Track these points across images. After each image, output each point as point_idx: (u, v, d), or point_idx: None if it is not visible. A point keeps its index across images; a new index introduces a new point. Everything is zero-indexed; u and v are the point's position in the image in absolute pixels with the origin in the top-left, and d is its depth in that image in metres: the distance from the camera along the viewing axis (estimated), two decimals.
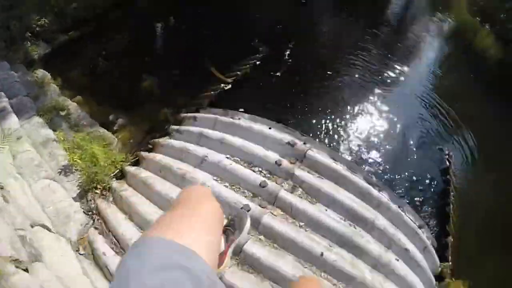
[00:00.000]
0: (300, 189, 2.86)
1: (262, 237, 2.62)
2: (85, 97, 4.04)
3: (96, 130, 3.47)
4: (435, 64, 6.74)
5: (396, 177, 3.88)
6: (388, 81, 5.51)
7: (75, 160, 2.99)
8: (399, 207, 3.08)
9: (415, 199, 3.81)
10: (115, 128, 3.74)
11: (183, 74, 4.53)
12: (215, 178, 2.91)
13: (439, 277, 3.36)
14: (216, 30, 5.27)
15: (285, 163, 2.93)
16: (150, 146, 3.46)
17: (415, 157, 4.28)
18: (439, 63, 6.86)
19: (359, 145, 4.09)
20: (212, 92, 4.04)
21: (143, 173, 3.02)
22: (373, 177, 3.13)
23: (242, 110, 3.85)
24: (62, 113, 3.58)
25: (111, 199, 2.94)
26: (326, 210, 2.81)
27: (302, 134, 3.17)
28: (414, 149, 4.39)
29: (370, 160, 3.96)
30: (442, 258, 3.44)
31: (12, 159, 2.89)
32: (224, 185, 2.87)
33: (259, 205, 2.75)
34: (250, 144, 3.08)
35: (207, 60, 4.64)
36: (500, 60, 7.12)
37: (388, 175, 3.86)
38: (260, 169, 2.95)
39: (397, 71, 5.82)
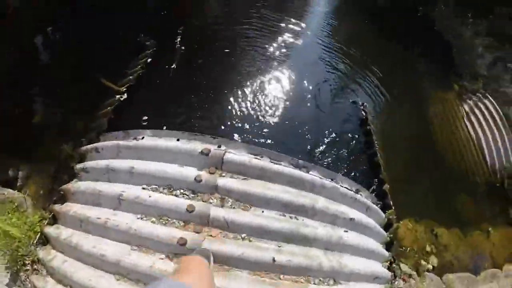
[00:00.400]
0: (230, 199, 2.60)
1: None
2: None
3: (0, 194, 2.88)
4: (329, 15, 6.80)
5: (321, 147, 3.80)
6: (288, 42, 5.37)
7: None
8: (332, 180, 2.99)
9: (345, 162, 3.81)
10: (19, 183, 3.13)
11: (74, 92, 3.85)
12: (139, 216, 2.55)
13: (389, 226, 3.47)
14: (97, 34, 4.56)
15: (205, 176, 2.63)
16: (62, 194, 2.96)
17: (333, 119, 4.24)
18: (332, 13, 6.97)
19: (275, 125, 3.90)
20: (109, 108, 3.50)
21: (64, 233, 2.59)
22: (298, 160, 2.95)
23: (145, 118, 3.49)
24: None
25: (44, 272, 2.51)
26: (263, 212, 2.60)
27: (213, 137, 2.85)
28: (330, 110, 4.36)
29: (292, 139, 3.81)
30: (386, 207, 3.53)
31: None
32: (152, 221, 2.52)
33: (195, 231, 2.46)
34: (163, 166, 2.70)
35: (96, 71, 4.02)
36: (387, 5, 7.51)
37: (313, 148, 3.76)
38: (182, 190, 2.62)
39: (294, 31, 5.70)
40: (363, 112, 4.31)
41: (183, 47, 4.66)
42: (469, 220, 4.34)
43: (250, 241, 2.48)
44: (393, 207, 3.55)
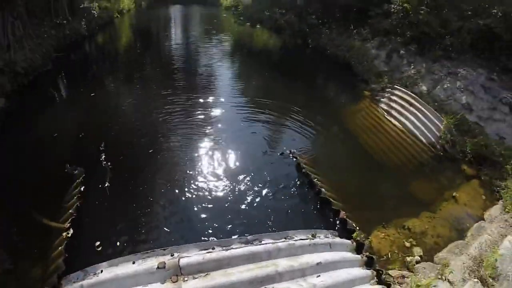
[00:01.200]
0: None
1: None
2: None
3: None
4: (234, 81, 7.33)
5: (270, 210, 4.01)
6: (208, 123, 5.75)
7: None
8: (285, 238, 3.18)
9: (298, 213, 4.02)
10: None
11: (21, 237, 3.77)
12: None
13: (361, 246, 3.64)
14: (23, 173, 4.57)
15: (170, 287, 2.75)
16: None
17: (271, 179, 4.47)
18: (236, 78, 7.49)
19: (218, 208, 4.07)
20: (60, 248, 3.51)
21: None
22: (247, 236, 3.15)
23: (98, 244, 3.57)
24: None
25: None
26: None
27: (163, 249, 3.02)
28: (266, 172, 4.59)
29: (238, 214, 3.98)
30: (350, 232, 3.75)
31: None
32: None
33: None
34: None
35: (33, 211, 3.97)
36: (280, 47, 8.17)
37: (262, 214, 3.96)
38: None
39: (209, 116, 6.08)
40: (292, 158, 4.61)
41: (110, 163, 4.75)
42: (432, 198, 4.59)
43: None
44: (357, 228, 3.78)
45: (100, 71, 8.17)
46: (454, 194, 4.62)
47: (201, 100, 6.40)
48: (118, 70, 8.13)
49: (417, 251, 3.85)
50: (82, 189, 4.28)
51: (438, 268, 3.57)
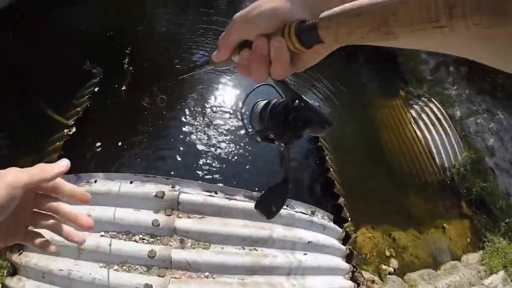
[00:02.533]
0: (189, 240, 2.66)
1: None
2: None
3: None
4: None
5: (276, 173, 3.89)
6: None
7: None
8: (287, 206, 3.12)
9: (301, 184, 3.96)
10: None
11: (19, 124, 3.68)
12: (102, 265, 2.55)
13: (347, 238, 3.63)
14: (40, 62, 4.26)
15: (162, 219, 2.68)
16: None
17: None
18: None
19: (228, 156, 3.94)
20: (58, 143, 3.38)
21: (27, 285, 2.54)
22: (252, 192, 3.04)
23: (98, 146, 3.46)
24: None
25: None
26: (223, 248, 2.68)
27: (166, 178, 2.89)
28: None
29: (245, 168, 3.88)
30: (343, 220, 3.69)
31: None
32: (115, 270, 2.53)
33: (158, 275, 2.51)
34: (119, 211, 2.71)
35: (41, 101, 3.79)
36: None
37: (267, 175, 3.85)
38: (141, 236, 2.65)
39: None
40: None
41: (131, 68, 4.50)
42: (424, 219, 4.60)
43: (213, 278, 2.55)
44: (350, 219, 3.75)
45: None
46: (444, 224, 4.61)
47: None
48: None
49: (393, 263, 3.90)
50: (96, 90, 4.06)
51: (406, 287, 3.64)
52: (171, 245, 2.62)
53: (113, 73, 4.40)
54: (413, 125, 5.58)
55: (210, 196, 2.89)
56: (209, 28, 5.71)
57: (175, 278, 2.50)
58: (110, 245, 2.57)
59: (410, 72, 6.27)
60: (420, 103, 5.90)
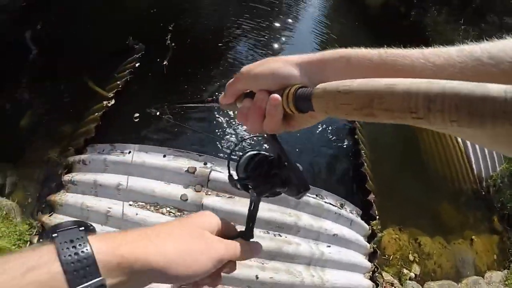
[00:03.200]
0: None
1: None
2: None
3: None
4: (322, 18, 6.82)
5: (308, 160, 3.81)
6: (282, 40, 5.40)
7: None
8: (316, 196, 3.06)
9: (332, 174, 3.83)
10: (7, 190, 3.11)
11: (61, 95, 3.76)
12: None
13: (373, 236, 3.52)
14: (83, 36, 4.39)
15: (190, 194, 2.66)
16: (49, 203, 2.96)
17: (320, 130, 4.20)
18: (325, 17, 6.98)
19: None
20: (96, 114, 3.43)
21: None
22: None
23: (136, 117, 3.47)
24: None
25: None
26: None
27: (199, 154, 2.87)
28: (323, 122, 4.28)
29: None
30: (371, 218, 3.56)
31: None
32: None
33: None
34: (149, 183, 2.72)
35: (82, 74, 3.88)
36: (381, 5, 7.51)
37: (299, 161, 3.79)
38: (169, 208, 2.65)
39: (288, 28, 5.72)
40: (351, 121, 4.36)
41: (174, 44, 4.51)
42: (453, 228, 4.42)
43: None
44: (378, 217, 3.65)
45: None
46: (473, 237, 4.44)
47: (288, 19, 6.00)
48: None
49: (416, 268, 3.79)
50: (137, 65, 4.10)
51: None
52: None
53: (154, 48, 4.43)
54: None
55: None
56: (254, 15, 5.65)
57: None
58: (137, 214, 2.60)
59: None
60: None
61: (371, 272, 3.31)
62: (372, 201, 3.68)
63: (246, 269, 2.48)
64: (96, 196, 2.77)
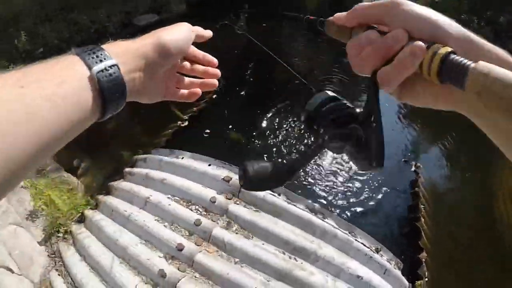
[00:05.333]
0: (236, 225, 2.74)
1: (197, 274, 2.53)
2: None
3: (61, 175, 3.55)
4: None
5: (359, 201, 3.68)
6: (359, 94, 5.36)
7: (40, 206, 3.11)
8: (349, 233, 2.91)
9: (382, 220, 3.59)
10: (79, 172, 3.76)
11: (146, 112, 4.29)
12: (156, 218, 2.87)
13: None
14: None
15: (220, 199, 2.84)
16: (108, 188, 3.51)
17: (380, 174, 4.01)
18: None
19: (319, 172, 3.91)
20: (169, 130, 4.07)
21: (97, 216, 3.05)
22: (315, 205, 2.96)
23: (208, 131, 4.03)
24: None
25: (71, 241, 3.01)
26: (263, 244, 2.65)
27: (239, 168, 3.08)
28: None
29: (331, 188, 3.77)
30: (416, 276, 3.19)
31: None
32: (164, 225, 2.81)
33: (195, 243, 2.66)
34: (189, 183, 3.02)
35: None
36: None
37: (350, 199, 3.67)
38: (198, 207, 2.88)
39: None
40: (415, 173, 4.05)
41: (252, 78, 5.11)
42: None
43: (241, 266, 2.54)
44: (426, 279, 3.23)
45: None
46: None
47: None
48: None
49: None
50: (213, 96, 4.77)
51: None
52: (217, 223, 2.74)
53: (232, 82, 5.02)
54: None
55: (272, 194, 2.92)
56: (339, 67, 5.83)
57: (207, 251, 2.60)
58: (169, 205, 2.88)
59: None
60: None
61: None
62: (423, 260, 3.30)
63: (247, 278, 2.47)
64: (144, 186, 3.16)
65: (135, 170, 3.36)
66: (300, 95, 4.85)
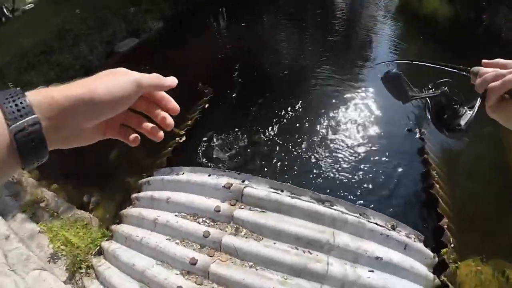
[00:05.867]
0: (244, 229, 2.72)
1: (214, 285, 2.53)
2: (60, 183, 4.17)
3: (74, 213, 3.62)
4: (395, 39, 6.60)
5: (365, 182, 3.57)
6: (355, 73, 5.36)
7: (59, 247, 3.19)
8: (360, 215, 2.84)
9: (394, 196, 3.47)
10: (90, 207, 3.83)
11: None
12: (167, 237, 2.90)
13: (442, 266, 3.06)
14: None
15: (224, 207, 2.83)
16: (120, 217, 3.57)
17: (384, 149, 3.93)
18: (397, 36, 6.70)
19: (324, 159, 3.85)
20: (169, 148, 4.09)
21: (113, 246, 3.11)
22: (321, 194, 2.87)
23: (205, 143, 4.06)
24: (42, 205, 3.76)
25: (93, 275, 3.06)
26: (275, 244, 2.62)
27: (238, 173, 3.08)
28: (381, 140, 4.08)
29: (337, 173, 3.70)
30: (441, 245, 3.08)
31: (4, 258, 3.13)
32: (175, 243, 2.84)
33: (207, 255, 2.67)
34: (193, 196, 3.04)
35: None
36: (449, 18, 6.89)
37: (357, 182, 3.58)
38: (204, 218, 2.89)
39: (360, 60, 5.66)
40: (420, 140, 3.94)
41: (240, 79, 5.17)
42: None
43: (256, 269, 2.52)
44: (452, 245, 3.13)
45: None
46: None
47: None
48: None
49: None
50: (206, 106, 4.79)
51: None
52: (226, 231, 2.73)
53: (222, 90, 5.11)
54: None
55: (274, 192, 2.88)
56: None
57: (220, 260, 2.60)
58: (177, 222, 2.91)
59: None
60: None
61: None
62: (445, 227, 3.20)
63: (264, 280, 2.45)
64: (151, 208, 3.19)
65: (141, 194, 3.41)
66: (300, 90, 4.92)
